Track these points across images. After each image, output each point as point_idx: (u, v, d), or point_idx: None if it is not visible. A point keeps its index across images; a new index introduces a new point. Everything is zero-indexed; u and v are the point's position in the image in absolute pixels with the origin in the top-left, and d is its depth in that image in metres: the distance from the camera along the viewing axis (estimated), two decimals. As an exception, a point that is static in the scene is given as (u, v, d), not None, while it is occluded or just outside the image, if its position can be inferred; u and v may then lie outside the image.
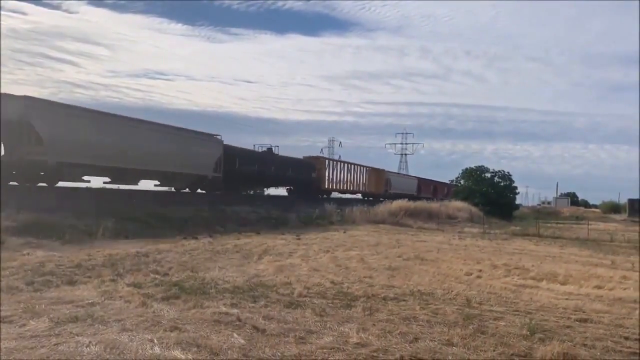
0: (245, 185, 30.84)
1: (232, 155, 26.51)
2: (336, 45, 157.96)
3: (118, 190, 21.25)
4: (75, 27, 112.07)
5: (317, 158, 37.90)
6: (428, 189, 58.62)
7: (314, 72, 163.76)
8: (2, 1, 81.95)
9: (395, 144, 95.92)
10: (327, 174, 36.96)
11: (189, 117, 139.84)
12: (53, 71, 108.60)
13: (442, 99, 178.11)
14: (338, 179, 38.89)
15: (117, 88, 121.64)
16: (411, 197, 42.57)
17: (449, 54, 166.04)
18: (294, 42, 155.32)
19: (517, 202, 62.74)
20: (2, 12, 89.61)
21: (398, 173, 58.14)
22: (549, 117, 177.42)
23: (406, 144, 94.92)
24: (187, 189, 25.22)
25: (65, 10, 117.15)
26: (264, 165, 29.44)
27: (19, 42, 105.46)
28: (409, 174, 68.45)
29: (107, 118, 19.69)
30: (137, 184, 21.96)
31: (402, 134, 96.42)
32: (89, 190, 19.71)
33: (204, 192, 26.00)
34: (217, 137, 26.13)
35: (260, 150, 32.01)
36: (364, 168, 43.40)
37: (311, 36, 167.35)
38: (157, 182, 23.35)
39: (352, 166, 41.27)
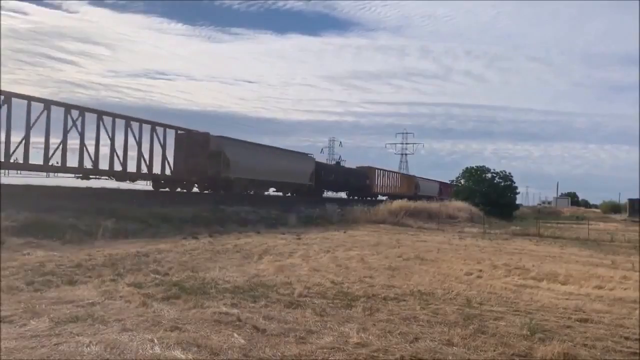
0: (326, 190, 39.95)
1: (319, 168, 36.61)
2: (336, 45, 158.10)
3: (118, 190, 21.30)
4: (76, 26, 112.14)
5: (369, 168, 46.99)
6: (447, 190, 64.77)
7: (315, 72, 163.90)
8: (2, 1, 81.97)
9: (395, 143, 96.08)
10: (375, 181, 46.66)
11: (189, 117, 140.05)
12: (53, 71, 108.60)
13: (442, 98, 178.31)
14: (382, 184, 48.71)
15: (118, 88, 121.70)
16: (434, 198, 52.22)
17: (450, 54, 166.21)
18: (295, 42, 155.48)
19: (518, 202, 63.16)
20: (3, 12, 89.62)
21: (424, 178, 63.80)
22: (549, 117, 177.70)
23: (406, 143, 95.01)
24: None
25: (66, 10, 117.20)
26: (337, 175, 40.40)
27: (19, 42, 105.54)
28: (410, 173, 69.93)
29: (257, 147, 30.03)
30: (268, 192, 31.76)
31: (403, 133, 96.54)
32: (89, 190, 19.74)
33: (206, 192, 27.36)
34: (311, 155, 36.50)
35: (331, 163, 43.59)
36: (399, 175, 55.35)
37: (311, 36, 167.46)
38: (274, 189, 32.83)
39: (391, 173, 52.43)
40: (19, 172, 18.14)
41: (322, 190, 37.96)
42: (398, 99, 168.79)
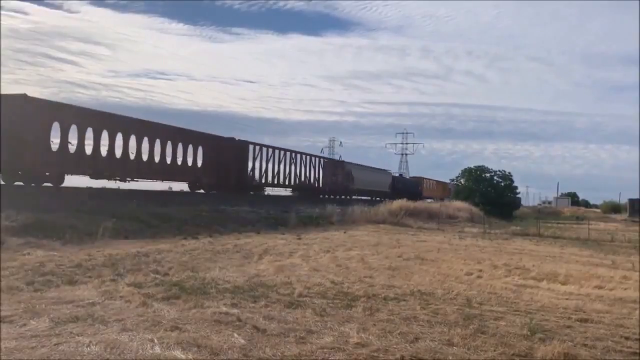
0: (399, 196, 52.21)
1: (393, 180, 53.11)
2: (337, 45, 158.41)
3: (118, 190, 21.33)
4: (77, 26, 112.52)
5: (421, 178, 64.87)
6: None
7: (315, 72, 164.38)
8: (2, 1, 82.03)
9: (395, 143, 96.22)
10: (424, 187, 62.32)
11: (189, 117, 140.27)
12: (54, 71, 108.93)
13: (442, 98, 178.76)
14: (428, 188, 64.16)
15: (118, 88, 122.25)
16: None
17: (450, 54, 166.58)
18: (295, 42, 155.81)
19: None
20: (3, 12, 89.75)
21: (455, 183, 70.53)
22: (549, 117, 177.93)
23: (407, 143, 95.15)
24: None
25: (67, 10, 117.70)
26: (402, 184, 55.29)
27: (20, 41, 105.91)
28: (410, 173, 71.89)
29: (366, 168, 46.17)
30: (367, 198, 45.08)
31: (403, 133, 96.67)
32: (89, 190, 19.77)
33: (203, 192, 27.30)
34: (389, 171, 54.34)
35: (396, 175, 57.06)
36: (435, 181, 69.21)
37: (312, 36, 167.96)
38: (367, 197, 45.64)
39: (431, 181, 67.60)
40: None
41: (395, 196, 50.27)
42: (398, 99, 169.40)
